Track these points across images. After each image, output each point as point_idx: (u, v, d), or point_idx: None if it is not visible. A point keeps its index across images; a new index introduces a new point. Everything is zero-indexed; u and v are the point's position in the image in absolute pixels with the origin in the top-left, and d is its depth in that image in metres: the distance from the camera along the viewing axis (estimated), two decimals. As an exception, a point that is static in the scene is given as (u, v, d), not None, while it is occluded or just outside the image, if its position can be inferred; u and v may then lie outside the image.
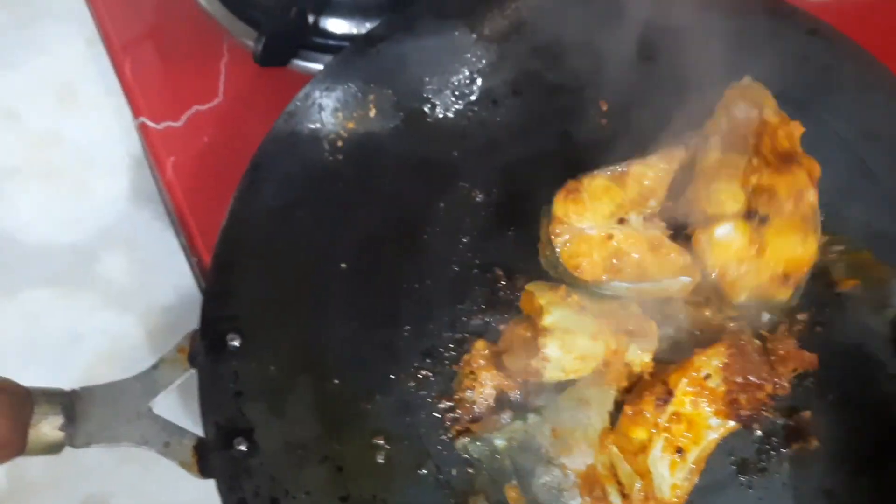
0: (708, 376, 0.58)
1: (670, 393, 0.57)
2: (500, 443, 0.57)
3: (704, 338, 0.59)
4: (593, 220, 0.57)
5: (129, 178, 0.92)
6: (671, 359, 0.58)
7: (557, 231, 0.58)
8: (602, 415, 0.57)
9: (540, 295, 0.55)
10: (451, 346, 0.60)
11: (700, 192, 0.58)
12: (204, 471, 0.56)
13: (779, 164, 0.57)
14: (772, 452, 0.59)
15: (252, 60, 0.76)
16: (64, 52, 0.95)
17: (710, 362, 0.58)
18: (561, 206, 0.58)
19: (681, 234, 0.59)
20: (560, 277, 0.59)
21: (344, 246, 0.62)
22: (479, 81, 0.67)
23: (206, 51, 0.78)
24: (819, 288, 0.61)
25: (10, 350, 0.84)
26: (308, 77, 0.74)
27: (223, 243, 0.61)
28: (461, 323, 0.61)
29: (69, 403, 0.55)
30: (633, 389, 0.58)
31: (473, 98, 0.66)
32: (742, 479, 0.58)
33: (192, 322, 0.86)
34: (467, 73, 0.67)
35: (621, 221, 0.58)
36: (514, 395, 0.59)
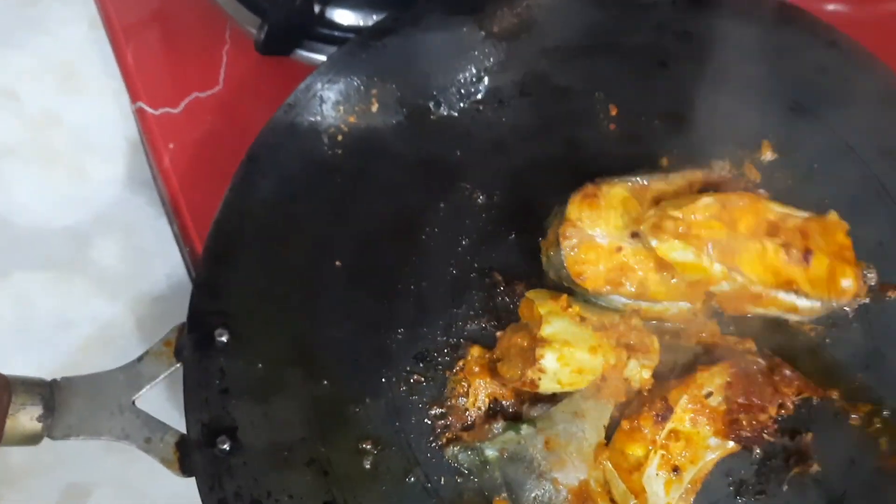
0: (709, 394, 0.56)
1: (670, 409, 0.55)
2: (491, 453, 0.55)
3: (707, 356, 0.57)
4: (605, 229, 0.55)
5: (125, 163, 0.90)
6: (671, 375, 0.56)
7: (567, 234, 0.56)
8: (597, 429, 0.55)
9: (540, 304, 0.54)
10: (446, 350, 0.58)
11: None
12: (185, 469, 0.55)
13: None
14: (771, 474, 0.57)
15: (254, 50, 0.74)
16: (66, 34, 0.94)
17: (713, 380, 0.57)
18: (576, 208, 0.56)
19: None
20: (558, 280, 0.58)
21: (340, 243, 0.61)
22: (485, 80, 0.65)
23: (209, 37, 0.76)
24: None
25: (1, 329, 0.82)
26: (311, 68, 0.73)
27: (216, 235, 0.59)
28: (457, 327, 0.59)
29: (49, 394, 0.54)
30: (631, 404, 0.56)
31: (479, 97, 0.65)
32: (740, 500, 0.56)
33: (183, 313, 0.85)
34: (474, 72, 0.66)
35: (634, 235, 0.56)
36: (508, 404, 0.58)
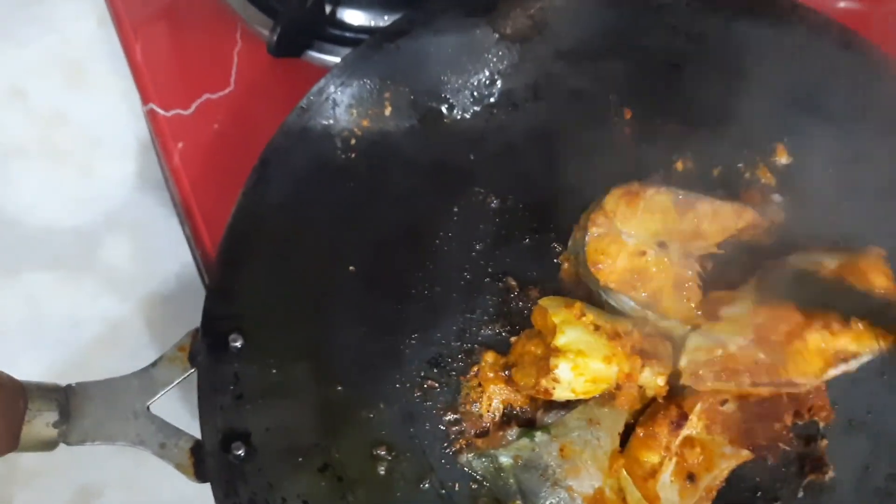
0: (724, 402, 0.56)
1: (685, 416, 0.55)
2: (505, 460, 0.55)
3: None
4: (636, 230, 0.55)
5: (135, 162, 0.90)
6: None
7: (598, 221, 0.56)
8: (612, 436, 0.55)
9: (554, 312, 0.54)
10: (460, 356, 0.58)
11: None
12: (200, 474, 0.54)
13: None
14: (786, 481, 0.57)
15: (265, 51, 0.74)
16: (74, 31, 0.93)
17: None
18: (613, 200, 0.56)
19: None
20: (573, 267, 0.57)
21: (353, 248, 0.60)
22: (499, 83, 0.65)
23: (220, 38, 0.75)
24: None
25: (9, 331, 0.83)
26: (323, 69, 0.72)
27: (229, 240, 0.59)
28: (470, 333, 0.59)
29: (64, 400, 0.54)
30: (646, 411, 0.56)
31: (493, 100, 0.64)
32: (754, 509, 0.56)
33: (193, 314, 0.85)
34: (487, 74, 0.65)
35: (661, 245, 0.55)
36: (522, 410, 0.58)
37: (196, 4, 0.77)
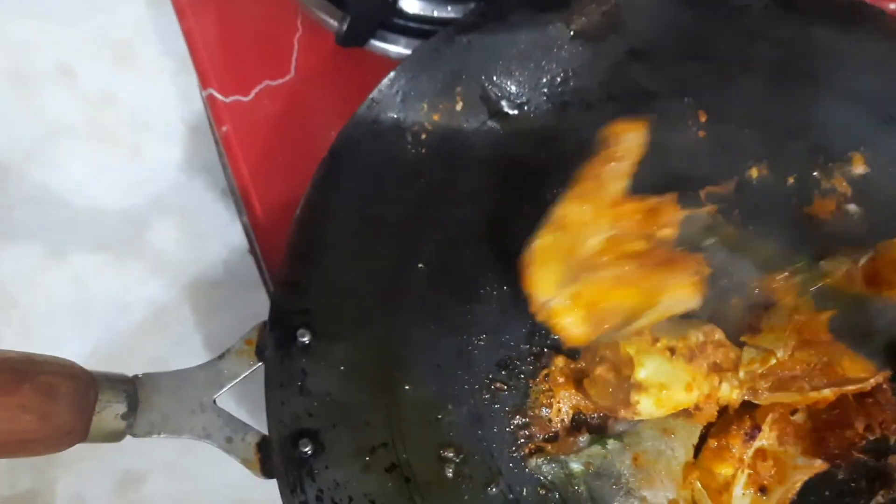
0: (794, 412, 0.55)
1: (758, 428, 0.55)
2: (576, 466, 0.55)
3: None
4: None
5: (183, 146, 0.89)
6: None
7: None
8: (686, 447, 0.54)
9: (627, 343, 0.52)
10: (529, 359, 0.58)
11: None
12: (266, 470, 0.54)
13: None
14: (855, 496, 0.56)
15: (326, 37, 0.73)
16: (123, 11, 0.92)
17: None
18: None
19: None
20: None
21: (422, 245, 0.59)
22: (572, 82, 0.64)
23: (280, 24, 0.74)
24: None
25: (55, 312, 0.82)
26: (383, 59, 0.72)
27: (298, 232, 0.58)
28: (540, 336, 0.58)
29: (132, 391, 0.53)
30: (718, 422, 0.56)
31: (566, 99, 0.63)
32: (823, 524, 0.55)
33: (241, 301, 0.84)
34: (560, 72, 0.64)
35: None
36: (592, 416, 0.57)
37: (257, -11, 0.76)
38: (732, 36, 0.65)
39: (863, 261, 0.57)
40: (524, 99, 0.64)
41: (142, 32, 0.92)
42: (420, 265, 0.59)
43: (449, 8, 0.74)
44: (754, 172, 0.62)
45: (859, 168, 0.62)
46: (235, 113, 0.72)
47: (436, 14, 0.74)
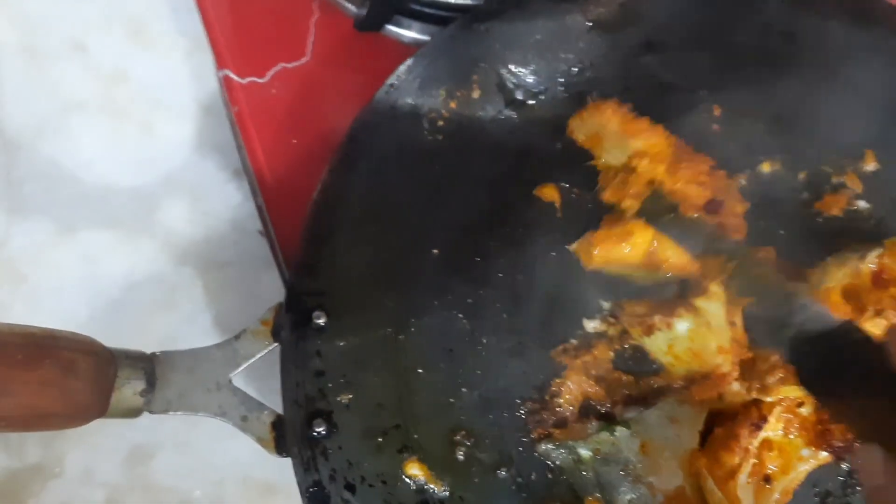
0: (801, 404, 0.56)
1: (764, 418, 0.55)
2: (584, 452, 0.56)
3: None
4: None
5: (195, 125, 0.89)
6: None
7: None
8: (693, 434, 0.55)
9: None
10: (541, 344, 0.58)
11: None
12: (280, 449, 0.55)
13: None
14: (858, 487, 0.57)
15: (342, 21, 0.73)
16: (136, -13, 0.92)
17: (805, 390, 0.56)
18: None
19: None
20: None
21: (437, 230, 0.60)
22: (588, 73, 0.64)
23: (296, 7, 0.74)
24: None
25: (65, 289, 0.82)
26: (399, 44, 0.72)
27: (315, 215, 0.58)
28: (552, 321, 0.59)
29: (150, 368, 0.54)
30: (725, 412, 0.57)
31: (582, 89, 0.64)
32: (825, 512, 0.56)
33: (251, 282, 0.85)
34: (577, 63, 0.64)
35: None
36: (601, 404, 0.58)
37: (275, -28, 0.76)
38: (748, 29, 0.65)
39: (871, 257, 0.58)
40: (540, 88, 0.64)
41: (155, 9, 0.92)
42: (434, 250, 0.60)
43: (466, -6, 0.74)
44: (766, 166, 0.63)
45: (870, 164, 0.63)
46: (251, 94, 0.72)
47: (452, 0, 0.74)
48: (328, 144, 0.68)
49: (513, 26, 0.64)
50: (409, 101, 0.62)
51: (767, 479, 0.55)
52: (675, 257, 0.56)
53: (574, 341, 0.59)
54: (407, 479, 0.55)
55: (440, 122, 0.62)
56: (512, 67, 0.64)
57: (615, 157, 0.56)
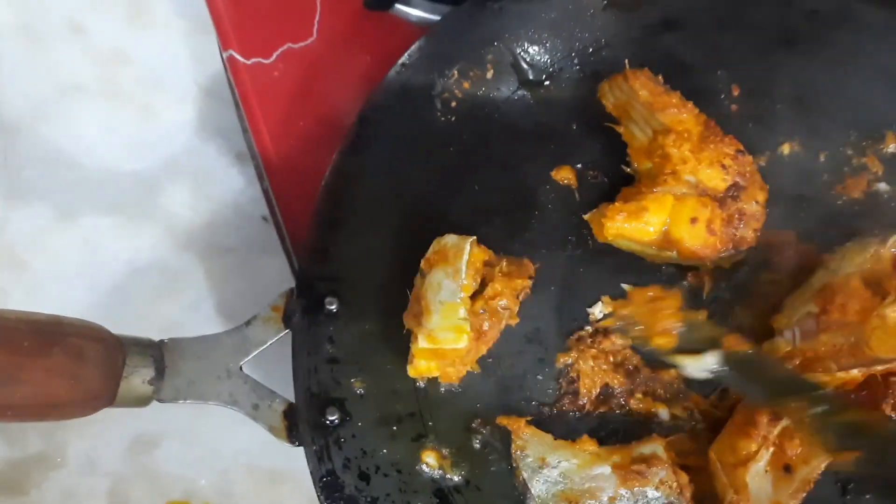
0: (822, 392, 0.55)
1: (787, 408, 0.54)
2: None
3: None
4: None
5: (196, 108, 0.87)
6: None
7: None
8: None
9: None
10: (557, 331, 0.57)
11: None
12: (293, 438, 0.53)
13: None
14: (878, 476, 0.56)
15: (349, 0, 0.71)
16: (134, -34, 0.90)
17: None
18: None
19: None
20: None
21: (451, 213, 0.59)
22: (603, 52, 0.63)
23: (303, -16, 0.73)
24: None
25: (66, 275, 0.81)
26: (406, 24, 0.70)
27: (326, 199, 0.57)
28: (569, 308, 0.58)
29: (159, 356, 0.52)
30: (745, 400, 0.56)
31: (598, 69, 0.62)
32: (847, 499, 0.55)
33: (254, 268, 0.83)
34: (592, 42, 0.63)
35: None
36: (619, 389, 0.57)
37: (281, -51, 0.74)
38: (768, 7, 0.63)
39: (892, 241, 0.57)
40: (555, 68, 0.63)
41: (154, -11, 0.90)
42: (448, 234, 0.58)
43: (474, -27, 0.72)
44: (786, 148, 0.61)
45: (891, 146, 0.62)
46: (256, 75, 0.70)
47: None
48: (336, 126, 0.67)
49: (527, 4, 0.62)
50: (422, 81, 0.60)
51: (788, 468, 0.54)
52: (688, 239, 0.55)
53: (589, 328, 0.57)
54: (422, 468, 0.53)
55: (453, 103, 0.60)
56: (526, 46, 0.62)
57: (641, 129, 0.55)
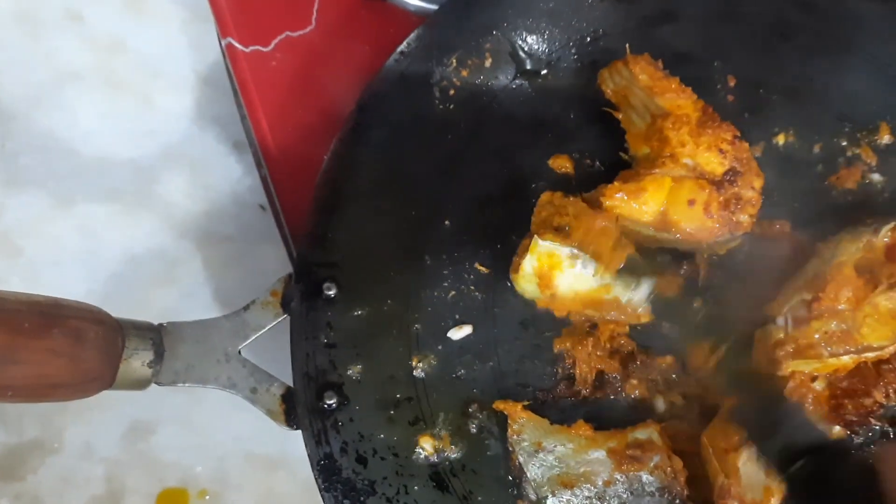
0: (814, 379, 0.56)
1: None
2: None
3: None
4: None
5: (194, 97, 0.88)
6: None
7: None
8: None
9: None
10: (551, 319, 0.57)
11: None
12: (291, 422, 0.54)
13: None
14: (869, 461, 0.57)
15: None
16: (132, -46, 0.90)
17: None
18: None
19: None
20: None
21: (449, 201, 0.59)
22: (602, 42, 0.63)
23: (301, -27, 0.73)
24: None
25: (63, 262, 0.81)
26: (405, 13, 0.70)
27: (325, 185, 0.57)
28: (565, 296, 0.58)
29: (158, 339, 0.53)
30: (739, 384, 0.56)
31: (596, 59, 0.62)
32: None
33: (252, 256, 0.83)
34: (591, 32, 0.63)
35: None
36: (614, 377, 0.57)
37: (278, -64, 0.74)
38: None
39: (884, 231, 0.58)
40: (554, 57, 0.63)
41: (150, -23, 0.90)
42: (446, 221, 0.59)
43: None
44: (781, 138, 0.62)
45: (885, 137, 0.63)
46: (255, 63, 0.71)
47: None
48: (334, 114, 0.67)
49: (526, -6, 0.62)
50: (420, 69, 0.60)
51: (780, 452, 0.54)
52: (686, 221, 0.56)
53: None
54: (419, 452, 0.54)
55: (451, 92, 0.61)
56: (525, 36, 0.63)
57: (640, 114, 0.55)
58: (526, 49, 0.62)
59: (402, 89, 0.60)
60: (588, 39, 0.63)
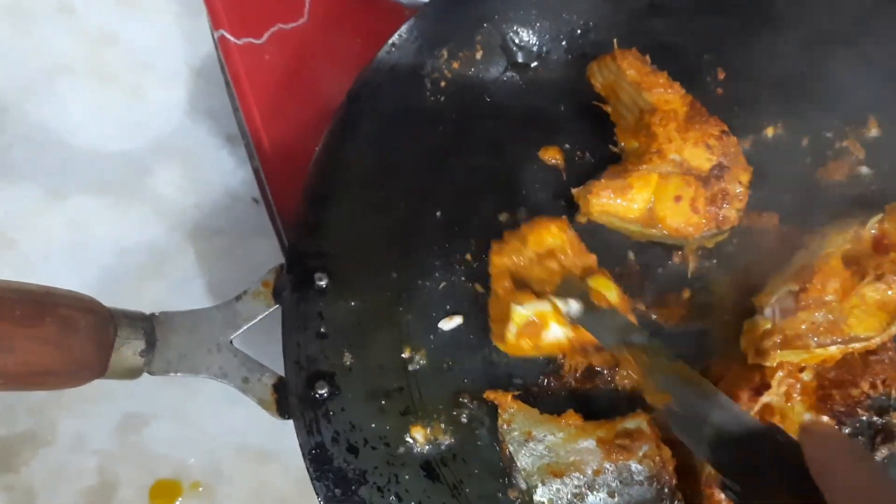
0: (802, 369, 0.56)
1: (766, 385, 0.55)
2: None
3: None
4: None
5: (186, 89, 0.87)
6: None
7: None
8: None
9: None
10: (543, 309, 0.58)
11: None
12: (283, 411, 0.54)
13: None
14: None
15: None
16: (124, -53, 0.89)
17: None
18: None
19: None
20: None
21: (439, 192, 0.60)
22: (591, 35, 0.64)
23: (293, -34, 0.73)
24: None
25: (53, 255, 0.81)
26: (395, 5, 0.71)
27: (316, 176, 0.58)
28: (555, 286, 0.58)
29: (150, 328, 0.53)
30: (727, 377, 0.57)
31: (586, 52, 0.63)
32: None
33: (242, 248, 0.84)
34: (580, 24, 0.64)
35: None
36: (602, 369, 0.58)
37: (270, -72, 0.74)
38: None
39: (871, 223, 0.58)
40: (544, 50, 0.63)
41: (143, -30, 0.90)
42: (437, 212, 0.59)
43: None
44: (770, 131, 0.62)
45: (873, 130, 0.63)
46: (247, 56, 0.71)
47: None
48: (326, 106, 0.67)
49: (517, -14, 0.63)
50: (411, 61, 0.61)
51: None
52: (672, 217, 0.56)
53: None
54: (410, 441, 0.54)
55: (442, 83, 0.61)
56: (516, 28, 0.63)
57: (628, 108, 0.56)
58: (517, 41, 0.62)
59: (393, 81, 0.60)
60: (578, 32, 0.63)
